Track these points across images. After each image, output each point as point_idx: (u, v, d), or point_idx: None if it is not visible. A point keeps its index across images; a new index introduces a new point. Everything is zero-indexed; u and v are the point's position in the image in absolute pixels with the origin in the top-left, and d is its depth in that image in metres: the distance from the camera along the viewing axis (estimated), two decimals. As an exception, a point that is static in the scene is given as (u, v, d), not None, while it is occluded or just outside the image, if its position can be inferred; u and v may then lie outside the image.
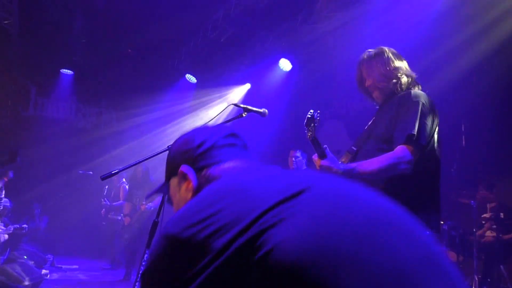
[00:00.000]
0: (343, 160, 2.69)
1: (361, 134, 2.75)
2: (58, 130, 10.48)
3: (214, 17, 8.42)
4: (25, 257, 6.21)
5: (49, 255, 7.87)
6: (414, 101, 2.42)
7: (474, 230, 5.61)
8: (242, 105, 2.88)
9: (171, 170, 1.19)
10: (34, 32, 8.99)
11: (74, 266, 8.19)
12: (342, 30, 7.60)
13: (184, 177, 1.12)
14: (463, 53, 5.94)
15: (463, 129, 5.86)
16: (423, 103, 2.41)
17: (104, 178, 2.45)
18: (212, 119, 2.78)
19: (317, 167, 2.52)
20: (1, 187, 6.28)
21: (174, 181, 1.17)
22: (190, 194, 1.09)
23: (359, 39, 7.14)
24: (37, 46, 9.41)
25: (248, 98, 9.02)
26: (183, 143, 1.19)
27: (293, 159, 5.83)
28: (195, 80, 10.04)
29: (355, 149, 2.66)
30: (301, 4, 7.59)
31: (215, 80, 9.73)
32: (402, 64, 2.65)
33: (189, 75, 9.93)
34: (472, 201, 5.82)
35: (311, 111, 2.49)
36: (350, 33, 7.44)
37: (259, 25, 8.26)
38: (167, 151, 1.29)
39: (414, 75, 2.65)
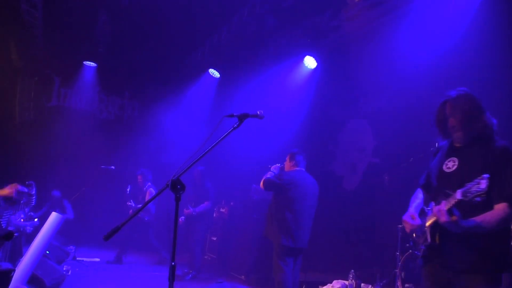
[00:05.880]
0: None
1: (451, 177, 2.72)
2: (81, 121, 10.56)
3: (239, 12, 8.26)
4: (47, 252, 6.22)
5: (71, 247, 7.94)
6: None
7: None
8: (235, 115, 2.84)
9: None
10: (58, 24, 8.97)
11: (96, 259, 8.26)
12: (369, 29, 7.42)
13: None
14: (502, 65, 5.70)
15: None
16: None
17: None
18: (208, 136, 2.66)
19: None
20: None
21: None
22: None
23: (386, 39, 6.98)
24: (61, 38, 9.40)
25: (272, 95, 8.89)
26: None
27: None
28: (218, 75, 9.95)
29: (450, 193, 2.60)
30: (328, 2, 7.41)
31: (238, 75, 9.62)
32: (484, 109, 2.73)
33: (213, 69, 9.83)
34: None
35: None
36: (376, 32, 7.27)
37: (285, 21, 8.10)
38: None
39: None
